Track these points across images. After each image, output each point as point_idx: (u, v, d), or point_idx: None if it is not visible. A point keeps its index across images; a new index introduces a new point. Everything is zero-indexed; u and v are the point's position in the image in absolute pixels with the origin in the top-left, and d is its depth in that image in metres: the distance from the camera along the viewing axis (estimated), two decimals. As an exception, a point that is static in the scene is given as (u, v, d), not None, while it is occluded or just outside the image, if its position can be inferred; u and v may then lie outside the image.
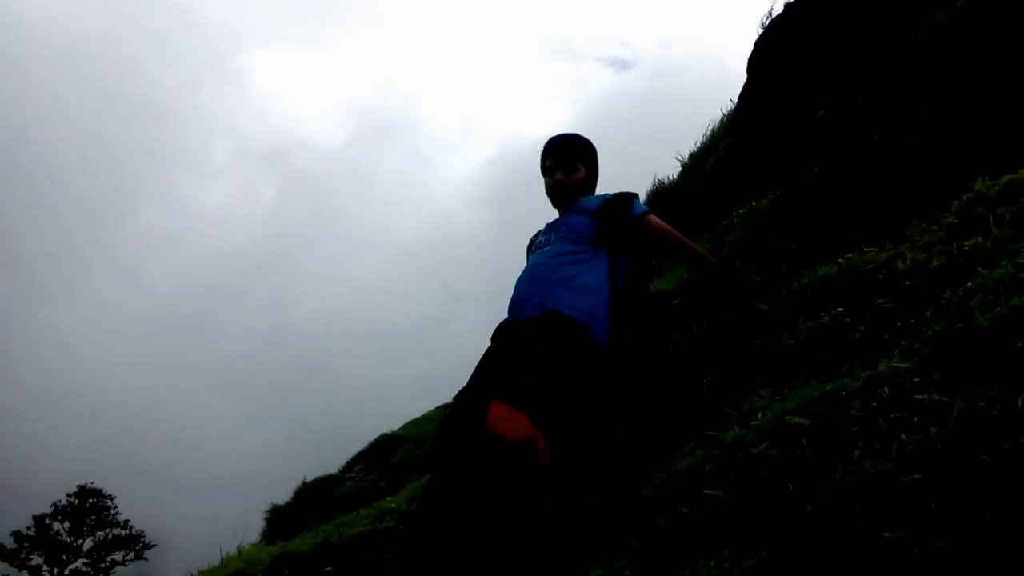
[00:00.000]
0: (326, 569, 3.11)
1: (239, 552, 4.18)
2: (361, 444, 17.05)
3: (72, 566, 38.22)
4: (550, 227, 3.46)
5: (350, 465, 16.17)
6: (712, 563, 1.57)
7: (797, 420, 1.86)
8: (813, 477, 1.64)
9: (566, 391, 2.78)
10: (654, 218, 3.27)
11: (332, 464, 16.63)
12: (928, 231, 2.77)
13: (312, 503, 13.26)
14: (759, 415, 2.02)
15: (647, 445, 2.68)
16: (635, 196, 3.37)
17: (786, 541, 1.52)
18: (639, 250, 3.25)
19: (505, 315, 3.17)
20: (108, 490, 40.41)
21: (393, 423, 17.18)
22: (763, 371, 2.54)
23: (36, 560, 37.58)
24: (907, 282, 2.48)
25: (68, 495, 39.36)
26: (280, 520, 13.32)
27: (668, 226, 3.26)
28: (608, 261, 3.12)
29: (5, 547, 37.12)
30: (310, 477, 15.33)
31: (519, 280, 3.29)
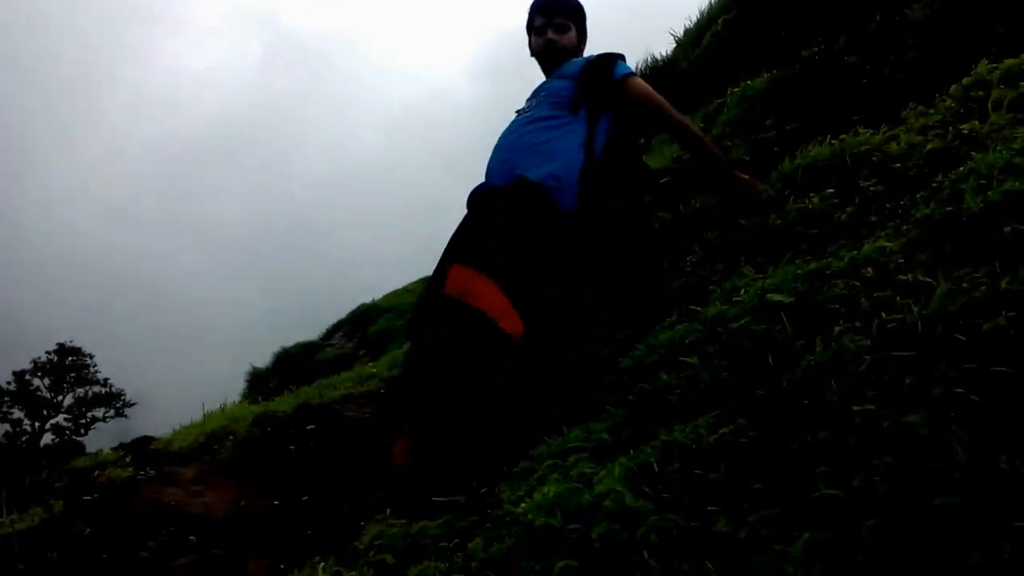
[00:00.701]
0: (308, 427, 3.18)
1: (221, 409, 4.26)
2: (343, 313, 17.23)
3: (53, 421, 39.05)
4: (533, 93, 3.38)
5: (330, 333, 16.37)
6: (688, 429, 1.60)
7: (779, 297, 1.88)
8: (792, 352, 1.67)
9: (529, 257, 2.79)
10: (638, 81, 3.17)
11: (314, 331, 16.85)
12: (925, 114, 2.72)
13: (292, 368, 13.49)
14: (742, 292, 2.03)
15: (628, 315, 2.70)
16: (620, 56, 3.26)
17: (762, 411, 1.56)
18: (624, 116, 3.17)
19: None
20: (89, 349, 40.84)
21: (377, 294, 17.33)
22: (749, 250, 2.54)
23: (17, 414, 38.35)
24: (898, 165, 2.45)
25: (48, 352, 39.78)
26: (261, 383, 13.57)
27: (654, 92, 3.16)
28: (587, 126, 3.05)
29: (-14, 399, 37.75)
30: (290, 343, 15.54)
31: (495, 146, 3.25)
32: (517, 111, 3.40)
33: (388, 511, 2.24)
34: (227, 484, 3.13)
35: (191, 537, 2.59)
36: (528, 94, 3.44)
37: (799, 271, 1.97)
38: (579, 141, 3.01)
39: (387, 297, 16.74)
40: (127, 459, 3.27)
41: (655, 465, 1.56)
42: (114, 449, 3.53)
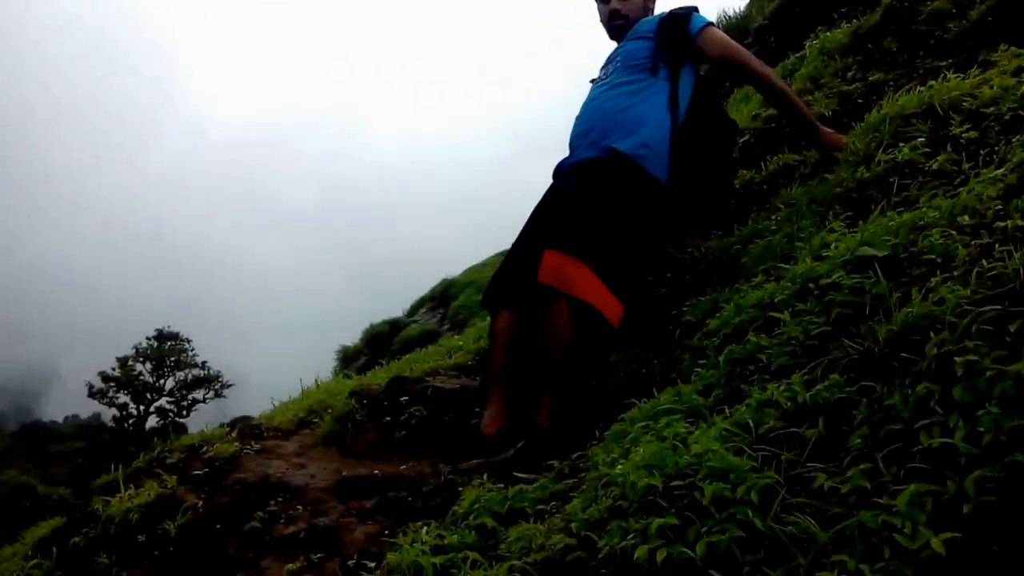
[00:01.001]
0: (401, 399, 3.26)
1: (317, 385, 4.41)
2: (424, 290, 17.51)
3: (156, 404, 40.88)
4: (608, 60, 3.29)
5: (414, 309, 16.66)
6: (782, 387, 1.60)
7: (871, 251, 1.84)
8: (888, 306, 1.64)
9: (624, 235, 2.77)
10: (716, 33, 3.06)
11: (397, 308, 17.17)
12: (1018, 55, 2.61)
13: (380, 344, 13.79)
14: (832, 247, 1.99)
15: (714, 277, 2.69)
16: (694, 9, 3.12)
17: (859, 367, 1.54)
18: (705, 70, 3.09)
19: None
20: (185, 335, 42.46)
21: (455, 269, 17.53)
22: (837, 206, 2.49)
23: (123, 399, 40.26)
24: (992, 109, 2.36)
25: (148, 338, 41.54)
26: (350, 360, 13.92)
27: (734, 43, 3.07)
28: (668, 86, 2.97)
29: (94, 386, 39.74)
30: (376, 320, 15.87)
31: (576, 118, 3.18)
32: (591, 81, 3.35)
33: (485, 477, 2.30)
34: (327, 455, 3.25)
35: (298, 507, 2.71)
36: (600, 63, 3.39)
37: (891, 223, 1.93)
38: (664, 103, 2.93)
39: (467, 272, 16.91)
40: (232, 435, 3.43)
41: (751, 424, 1.56)
42: (219, 427, 3.70)
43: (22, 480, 33.16)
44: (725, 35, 3.11)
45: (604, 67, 3.27)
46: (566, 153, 3.14)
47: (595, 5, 3.43)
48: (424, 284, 17.70)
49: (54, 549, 3.10)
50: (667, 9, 3.21)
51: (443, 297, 15.94)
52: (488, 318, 3.26)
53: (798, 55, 4.48)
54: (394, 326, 15.34)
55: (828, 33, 4.13)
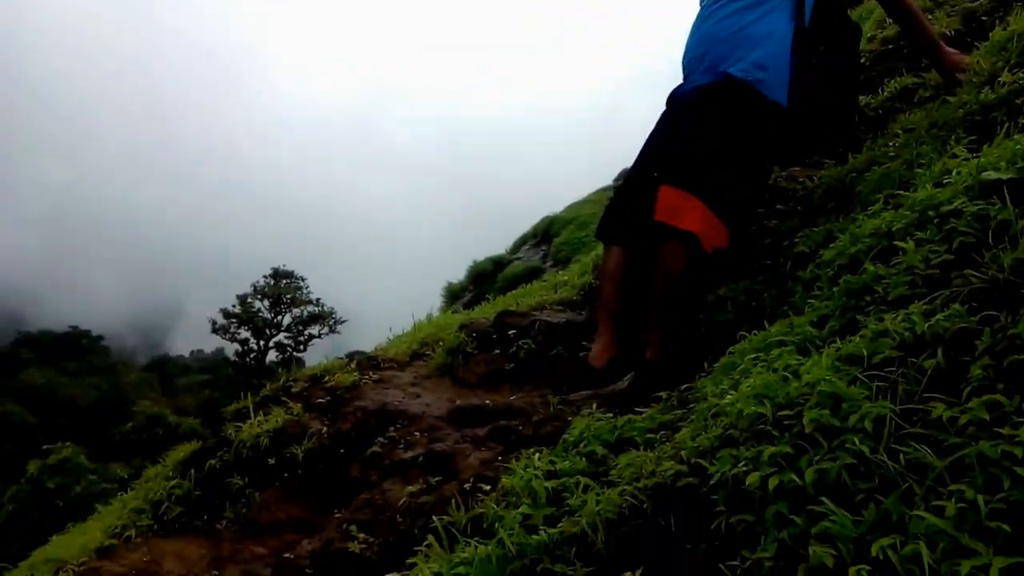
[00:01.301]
0: (509, 332, 3.34)
1: (428, 319, 4.56)
2: (527, 226, 17.60)
3: (275, 339, 42.86)
4: None
5: (517, 246, 16.80)
6: (899, 318, 1.57)
7: (995, 175, 1.76)
8: (1012, 232, 1.58)
9: (741, 168, 2.70)
10: None
11: (500, 246, 17.35)
12: None
13: (485, 281, 14.02)
14: (954, 173, 1.91)
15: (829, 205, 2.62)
16: None
17: (981, 296, 1.50)
18: None
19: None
20: (299, 272, 44.13)
21: (556, 206, 17.52)
22: (959, 130, 2.37)
23: (244, 334, 42.37)
24: None
25: (265, 276, 43.37)
26: (456, 297, 14.23)
27: None
28: (793, 1, 2.78)
29: (216, 322, 41.94)
30: (480, 258, 16.09)
31: (689, 37, 3.03)
32: None
33: (594, 407, 2.36)
34: (441, 386, 3.38)
35: (415, 433, 2.85)
36: None
37: (1018, 147, 1.83)
38: (786, 18, 2.76)
39: (569, 209, 16.87)
40: (351, 365, 3.60)
41: (865, 355, 1.55)
42: (339, 358, 3.89)
43: (154, 411, 35.66)
44: None
45: None
46: (678, 79, 3.05)
47: None
48: (527, 221, 17.81)
49: (192, 471, 3.34)
50: None
51: (545, 234, 15.99)
52: (591, 254, 3.26)
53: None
54: (497, 263, 15.52)
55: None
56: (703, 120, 2.76)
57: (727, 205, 2.61)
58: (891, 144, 2.68)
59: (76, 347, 53.84)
